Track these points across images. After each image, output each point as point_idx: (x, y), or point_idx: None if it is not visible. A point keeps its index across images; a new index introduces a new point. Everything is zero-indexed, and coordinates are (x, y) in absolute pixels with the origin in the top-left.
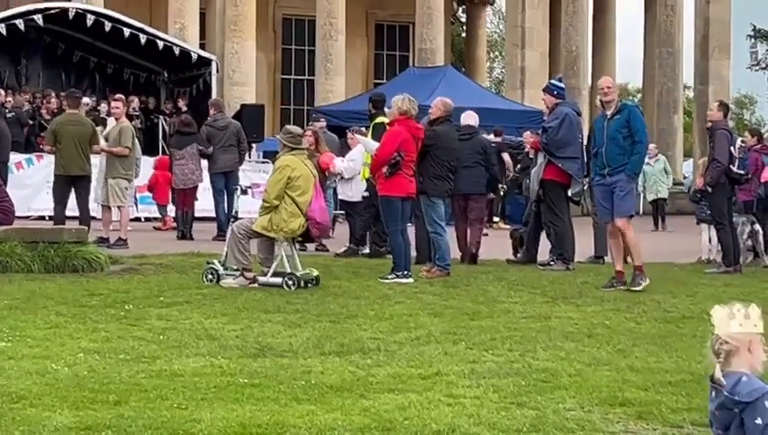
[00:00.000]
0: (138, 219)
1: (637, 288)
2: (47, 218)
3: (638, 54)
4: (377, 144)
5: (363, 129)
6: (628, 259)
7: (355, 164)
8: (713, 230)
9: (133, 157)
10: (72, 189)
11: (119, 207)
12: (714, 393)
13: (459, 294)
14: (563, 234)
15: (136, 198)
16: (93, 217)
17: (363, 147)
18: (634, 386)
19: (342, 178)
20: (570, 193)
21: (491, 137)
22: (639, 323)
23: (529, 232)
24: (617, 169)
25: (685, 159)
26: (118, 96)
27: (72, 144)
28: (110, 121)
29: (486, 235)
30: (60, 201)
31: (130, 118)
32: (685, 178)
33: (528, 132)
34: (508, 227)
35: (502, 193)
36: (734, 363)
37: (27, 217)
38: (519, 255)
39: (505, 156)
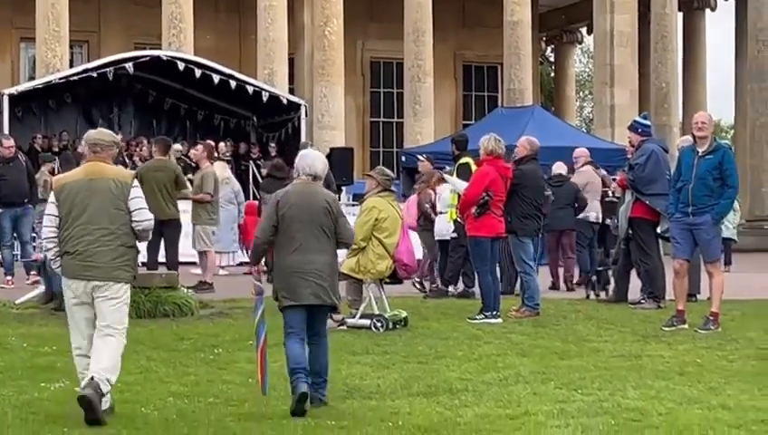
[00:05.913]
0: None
1: (704, 332)
2: (140, 265)
3: (729, 89)
4: (465, 184)
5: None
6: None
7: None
8: None
9: (217, 202)
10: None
11: (204, 252)
12: None
13: (548, 334)
14: (654, 272)
15: (241, 244)
16: (182, 263)
17: (452, 187)
18: (726, 425)
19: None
20: (659, 230)
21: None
22: (732, 360)
23: (618, 270)
24: (701, 210)
25: None
26: (207, 142)
27: (154, 189)
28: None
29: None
30: (151, 246)
31: None
32: None
33: (620, 173)
34: None
35: None
36: None
37: None
38: (602, 293)
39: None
